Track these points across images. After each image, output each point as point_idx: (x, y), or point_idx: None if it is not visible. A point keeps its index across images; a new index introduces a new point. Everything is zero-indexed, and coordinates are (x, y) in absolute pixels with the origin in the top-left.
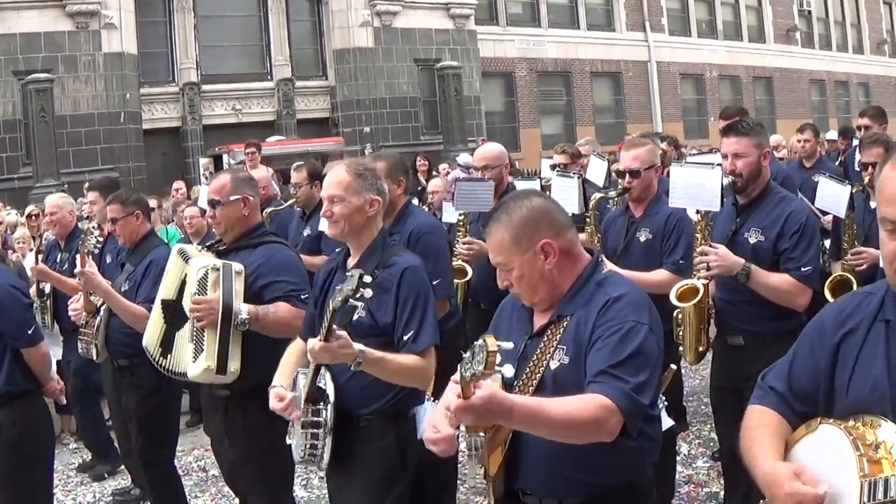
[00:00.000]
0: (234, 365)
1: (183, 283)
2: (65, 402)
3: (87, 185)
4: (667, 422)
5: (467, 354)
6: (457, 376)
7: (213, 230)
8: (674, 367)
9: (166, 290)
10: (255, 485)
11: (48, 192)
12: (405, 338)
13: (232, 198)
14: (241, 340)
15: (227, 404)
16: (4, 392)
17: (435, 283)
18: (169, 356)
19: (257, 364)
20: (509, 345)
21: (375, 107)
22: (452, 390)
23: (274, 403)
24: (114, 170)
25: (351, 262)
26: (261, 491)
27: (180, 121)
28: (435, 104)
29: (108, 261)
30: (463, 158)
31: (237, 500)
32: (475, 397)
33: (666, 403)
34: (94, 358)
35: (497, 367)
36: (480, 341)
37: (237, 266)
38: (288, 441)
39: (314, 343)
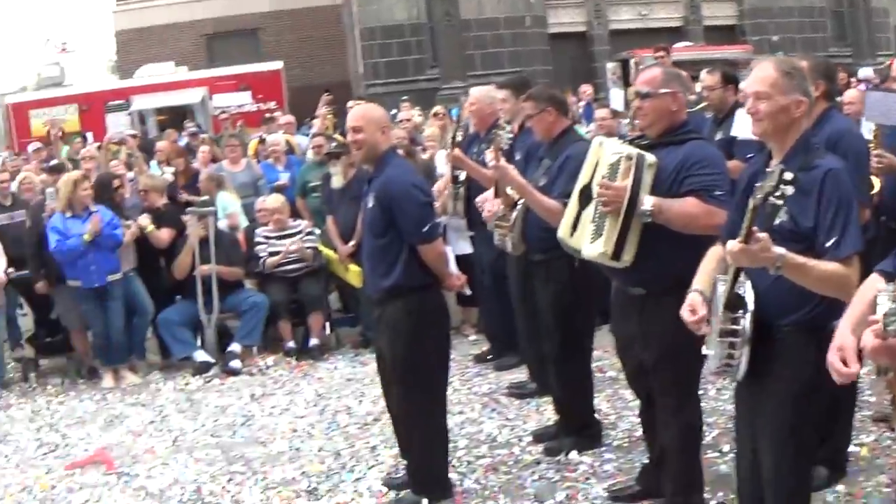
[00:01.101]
0: (628, 255)
1: (596, 167)
2: (469, 293)
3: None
4: None
5: None
6: None
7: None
8: None
9: (583, 178)
10: (666, 386)
11: (454, 93)
12: (827, 244)
13: (662, 91)
14: (640, 231)
15: (643, 304)
16: (402, 286)
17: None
18: (574, 235)
19: (676, 263)
20: None
21: (783, 15)
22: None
23: (685, 314)
24: (521, 73)
25: (773, 164)
26: (672, 393)
27: (586, 25)
28: (842, 15)
29: (517, 157)
30: (863, 72)
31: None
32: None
33: None
34: (510, 251)
35: None
36: None
37: (650, 158)
38: (704, 351)
39: (733, 245)
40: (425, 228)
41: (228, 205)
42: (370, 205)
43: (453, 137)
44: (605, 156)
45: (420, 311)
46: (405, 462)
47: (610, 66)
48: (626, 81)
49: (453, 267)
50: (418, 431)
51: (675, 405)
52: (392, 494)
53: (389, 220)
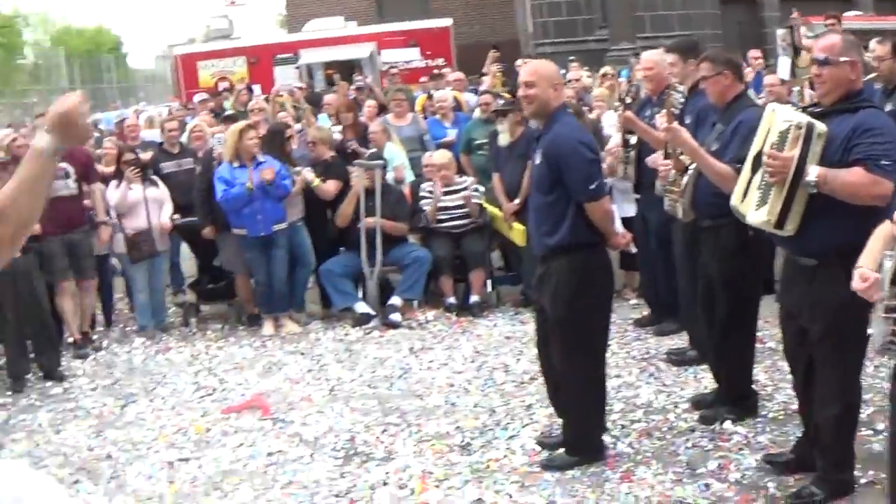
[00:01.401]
0: (791, 224)
1: (767, 134)
2: (634, 251)
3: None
4: None
5: None
6: None
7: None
8: None
9: (756, 145)
10: (829, 360)
11: (622, 55)
12: None
13: (841, 59)
14: (805, 201)
15: (814, 274)
16: (567, 243)
17: None
18: (744, 200)
19: (844, 233)
20: None
21: None
22: None
23: (856, 283)
24: (690, 36)
25: None
26: (835, 367)
27: None
28: None
29: (686, 121)
30: None
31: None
32: None
33: None
34: (680, 216)
35: None
36: None
37: (821, 127)
38: (868, 331)
39: None
40: (593, 186)
41: (395, 157)
42: (538, 161)
43: (622, 99)
44: (777, 123)
45: (585, 270)
46: (560, 422)
47: (780, 32)
48: (794, 49)
49: (619, 226)
50: (576, 391)
51: (836, 381)
52: (545, 454)
53: (557, 177)
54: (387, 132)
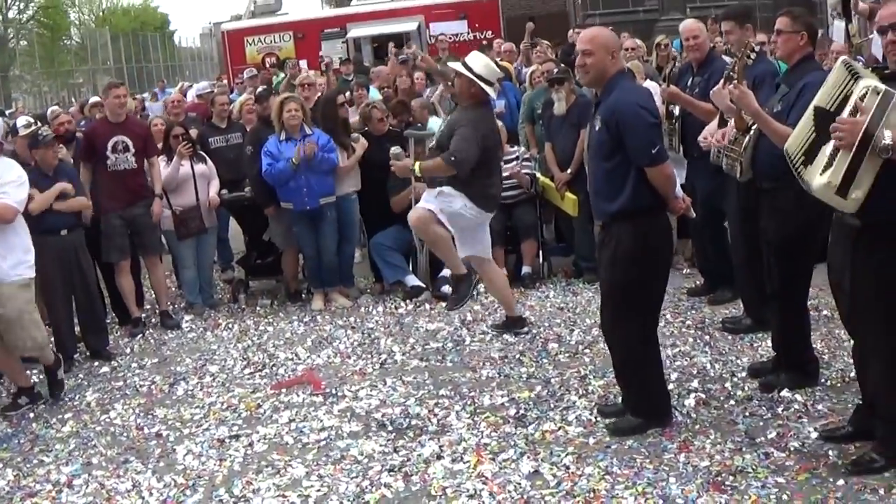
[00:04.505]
0: (857, 192)
1: (844, 99)
2: (693, 215)
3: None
4: None
5: None
6: None
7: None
8: None
9: (822, 97)
10: (877, 325)
11: (673, 25)
12: None
13: None
14: (875, 170)
15: (857, 235)
16: (629, 209)
17: None
18: (809, 166)
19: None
20: None
21: None
22: None
23: None
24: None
25: None
26: (882, 332)
27: None
28: None
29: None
30: None
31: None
32: None
33: None
34: (738, 176)
35: None
36: None
37: None
38: None
39: None
40: (654, 150)
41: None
42: (597, 128)
43: (669, 73)
44: (857, 90)
45: (647, 234)
46: (618, 390)
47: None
48: (846, 15)
49: (679, 190)
50: (633, 355)
51: (884, 346)
52: (600, 424)
53: (617, 142)
54: (428, 108)
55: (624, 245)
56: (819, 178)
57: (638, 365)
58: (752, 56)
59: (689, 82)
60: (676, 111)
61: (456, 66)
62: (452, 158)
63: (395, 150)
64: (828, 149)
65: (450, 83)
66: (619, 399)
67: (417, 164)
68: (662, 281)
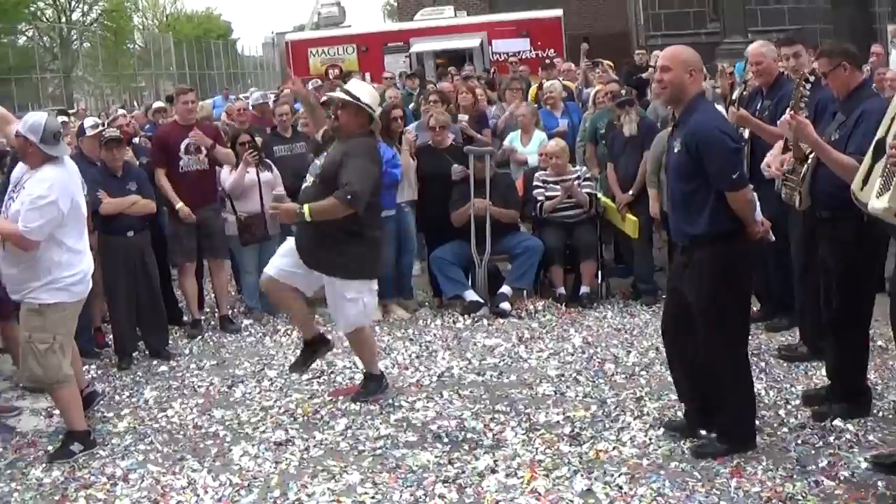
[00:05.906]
0: None
1: (893, 120)
2: (773, 239)
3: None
4: None
5: None
6: None
7: None
8: None
9: (881, 132)
10: None
11: (734, 48)
12: None
13: None
14: None
15: None
16: (709, 233)
17: None
18: (864, 188)
19: None
20: None
21: None
22: None
23: None
24: (801, 30)
25: None
26: None
27: None
28: None
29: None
30: None
31: None
32: None
33: None
34: (797, 206)
35: None
36: None
37: None
38: None
39: None
40: (735, 175)
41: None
42: (676, 150)
43: (739, 97)
44: None
45: (727, 260)
46: (673, 409)
47: (891, 28)
48: None
49: (758, 215)
50: (727, 379)
51: None
52: (659, 442)
53: (697, 165)
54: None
55: (706, 269)
56: (876, 201)
57: (732, 388)
58: (807, 85)
59: (759, 105)
60: (746, 134)
61: (338, 94)
62: (349, 197)
63: (277, 191)
64: (879, 168)
65: (330, 115)
66: (681, 414)
67: (307, 206)
68: (746, 303)
